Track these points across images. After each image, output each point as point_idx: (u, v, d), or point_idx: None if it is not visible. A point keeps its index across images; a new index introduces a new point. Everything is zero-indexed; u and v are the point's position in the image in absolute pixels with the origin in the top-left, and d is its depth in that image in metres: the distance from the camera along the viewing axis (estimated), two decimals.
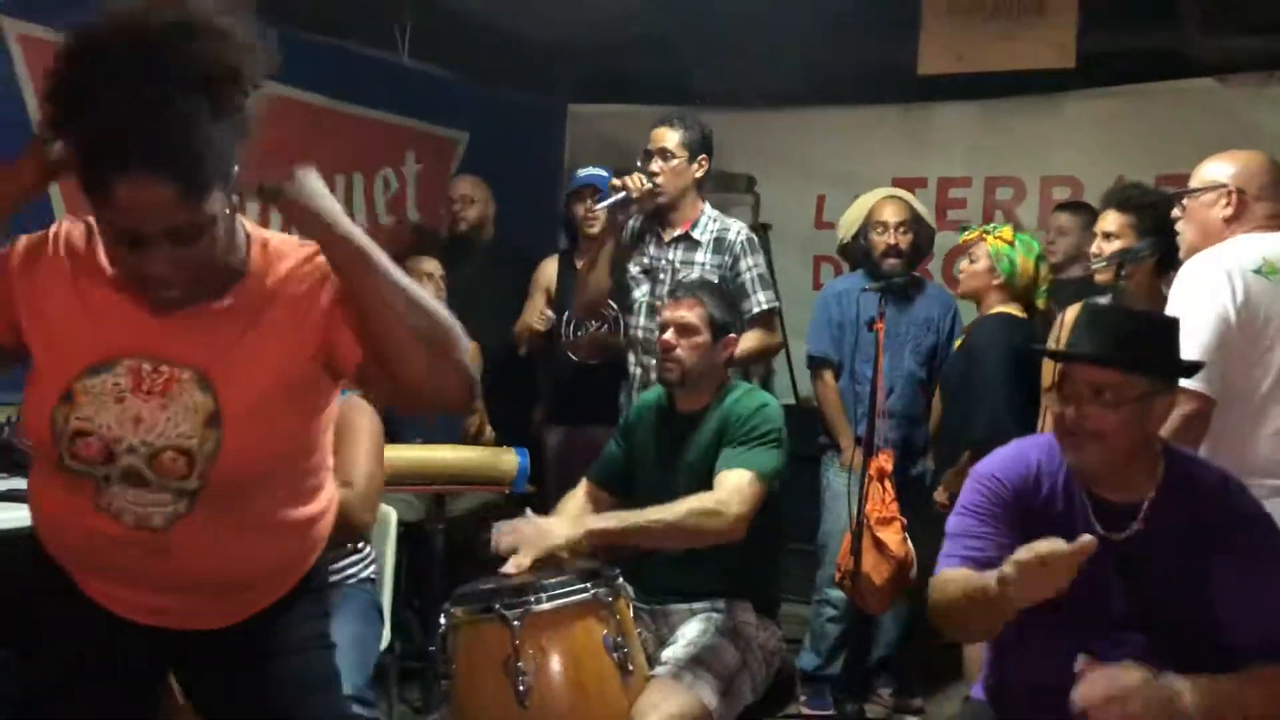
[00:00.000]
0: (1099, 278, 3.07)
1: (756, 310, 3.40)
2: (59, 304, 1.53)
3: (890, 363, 3.67)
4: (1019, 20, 4.61)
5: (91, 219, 1.52)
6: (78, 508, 1.53)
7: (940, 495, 3.42)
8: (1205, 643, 1.97)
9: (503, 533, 2.41)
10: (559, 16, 5.08)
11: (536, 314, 4.15)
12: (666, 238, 3.47)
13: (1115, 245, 3.07)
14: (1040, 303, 3.51)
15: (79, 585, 1.62)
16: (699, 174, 3.45)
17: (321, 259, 1.55)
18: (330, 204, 1.50)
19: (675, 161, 3.40)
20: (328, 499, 1.75)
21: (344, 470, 2.63)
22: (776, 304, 3.46)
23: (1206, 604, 1.97)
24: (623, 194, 3.30)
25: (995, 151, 4.86)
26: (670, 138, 3.41)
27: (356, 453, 2.66)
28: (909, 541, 3.28)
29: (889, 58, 4.90)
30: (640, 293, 3.48)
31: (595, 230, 4.00)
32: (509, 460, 3.55)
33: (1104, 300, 2.99)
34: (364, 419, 2.77)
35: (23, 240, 1.56)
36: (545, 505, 4.03)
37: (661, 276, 3.46)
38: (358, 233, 1.50)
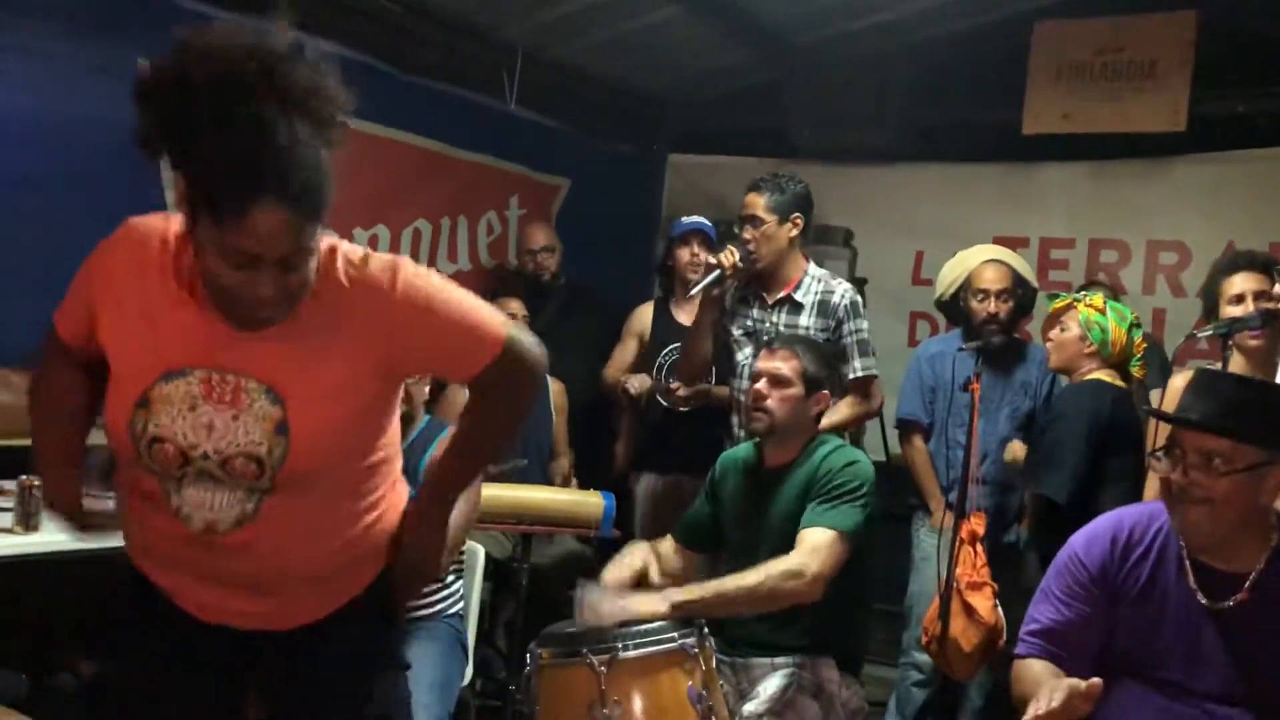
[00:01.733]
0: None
1: (853, 376, 3.37)
2: (134, 311, 1.56)
3: (985, 427, 3.60)
4: (1129, 82, 4.57)
5: (170, 227, 1.56)
6: (155, 505, 1.60)
7: None
8: None
9: (586, 606, 2.40)
10: (663, 68, 5.17)
11: (630, 362, 4.19)
12: (770, 300, 3.45)
13: (1245, 308, 2.98)
14: (1136, 371, 3.42)
15: (158, 585, 1.68)
16: (793, 233, 3.41)
17: (388, 271, 1.61)
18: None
19: (765, 226, 3.38)
20: (388, 504, 1.78)
21: None
22: (874, 372, 3.43)
23: None
24: (717, 271, 3.33)
25: (1100, 213, 4.78)
26: (758, 203, 3.39)
27: None
28: (999, 608, 3.21)
29: (993, 115, 4.89)
30: (743, 355, 3.46)
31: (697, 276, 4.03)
32: (595, 504, 3.58)
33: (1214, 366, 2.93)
34: None
35: (101, 247, 1.61)
36: None
37: (765, 339, 3.45)
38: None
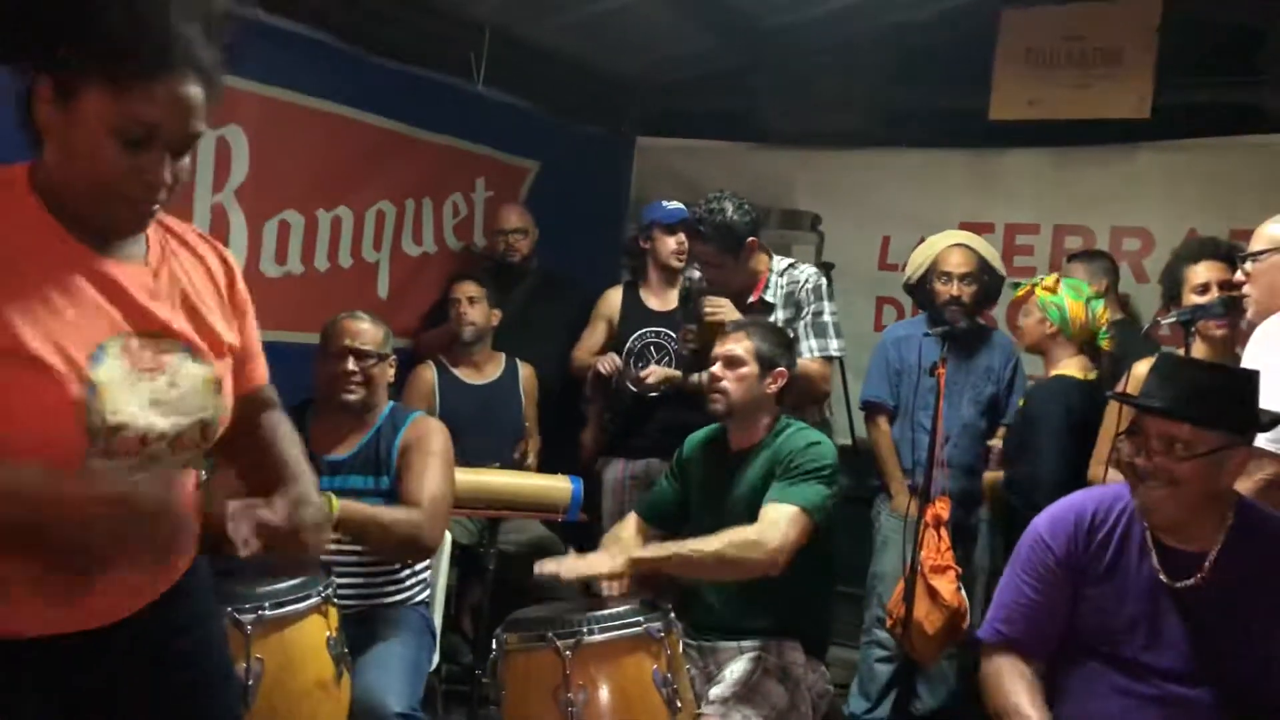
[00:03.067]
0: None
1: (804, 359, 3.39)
2: (30, 286, 1.38)
3: (947, 411, 3.63)
4: (1094, 69, 4.59)
5: None
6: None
7: None
8: (1270, 699, 1.94)
9: (545, 564, 2.43)
10: (632, 51, 5.14)
11: (599, 345, 4.18)
12: (743, 307, 3.46)
13: (1209, 296, 3.02)
14: (1104, 344, 3.44)
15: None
16: (752, 255, 3.43)
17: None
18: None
19: (724, 268, 3.40)
20: None
21: (415, 489, 2.67)
22: (831, 354, 3.43)
23: (1270, 658, 1.94)
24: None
25: (1065, 200, 4.81)
26: (708, 250, 3.39)
27: (427, 474, 2.71)
28: (963, 591, 3.25)
29: (960, 101, 4.90)
30: None
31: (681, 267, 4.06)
32: (563, 488, 3.57)
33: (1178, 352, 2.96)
34: (436, 440, 2.82)
35: None
36: (598, 537, 4.05)
37: None
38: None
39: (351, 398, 2.82)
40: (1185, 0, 4.46)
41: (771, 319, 3.37)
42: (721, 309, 3.40)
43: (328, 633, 2.29)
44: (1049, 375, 3.43)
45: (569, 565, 2.43)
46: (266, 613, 2.20)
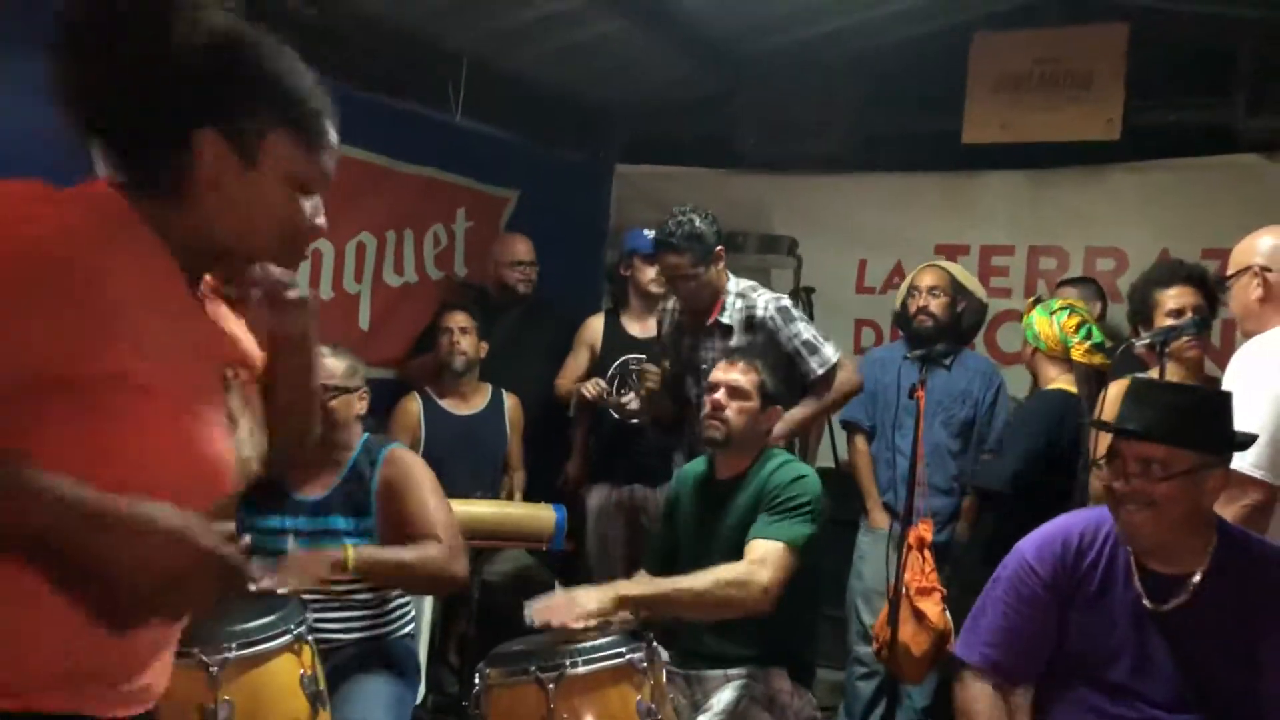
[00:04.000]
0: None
1: (813, 376, 3.41)
2: (176, 330, 1.31)
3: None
4: (1065, 92, 4.65)
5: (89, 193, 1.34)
6: None
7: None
8: None
9: (535, 609, 2.41)
10: (610, 79, 5.18)
11: (582, 372, 4.19)
12: (700, 329, 3.49)
13: (1184, 319, 3.06)
14: (1076, 355, 3.47)
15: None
16: (719, 265, 3.46)
17: None
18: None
19: (697, 279, 3.41)
20: None
21: (425, 524, 2.68)
22: (833, 359, 3.46)
23: (1252, 681, 1.96)
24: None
25: (1039, 221, 4.85)
26: (683, 264, 3.39)
27: (429, 506, 2.72)
28: (948, 613, 3.26)
29: (934, 125, 4.95)
30: (689, 388, 3.53)
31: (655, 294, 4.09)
32: (547, 517, 3.58)
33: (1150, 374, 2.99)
34: (419, 471, 2.82)
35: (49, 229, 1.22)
36: (583, 563, 4.06)
37: (704, 368, 3.48)
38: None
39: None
40: (1154, 22, 4.51)
41: (732, 342, 3.41)
42: (652, 378, 3.54)
43: (301, 671, 2.28)
44: (1041, 389, 3.51)
45: (558, 610, 2.40)
46: (233, 653, 2.17)
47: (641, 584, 2.60)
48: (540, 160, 5.25)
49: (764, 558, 2.53)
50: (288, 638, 2.28)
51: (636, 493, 3.97)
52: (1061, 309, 3.44)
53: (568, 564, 4.11)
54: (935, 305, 3.84)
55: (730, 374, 2.82)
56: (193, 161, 1.31)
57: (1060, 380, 3.42)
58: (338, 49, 4.17)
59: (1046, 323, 3.41)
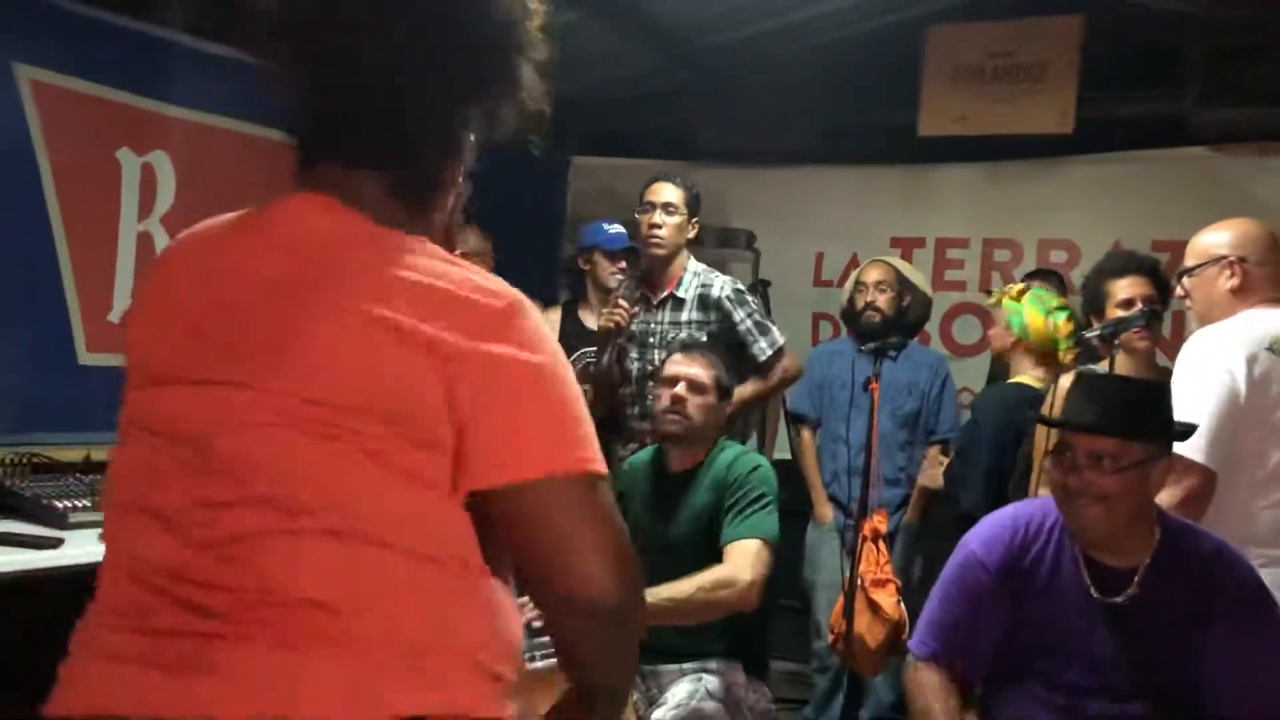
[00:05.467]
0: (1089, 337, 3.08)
1: (763, 358, 3.46)
2: None
3: (865, 422, 3.71)
4: (1019, 85, 4.67)
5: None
6: None
7: None
8: (1203, 713, 1.98)
9: None
10: (566, 71, 5.13)
11: None
12: (654, 300, 3.53)
13: (1134, 310, 3.09)
14: (1062, 356, 3.49)
15: None
16: (691, 234, 3.52)
17: None
18: None
19: (678, 218, 3.46)
20: None
21: None
22: (779, 343, 3.50)
23: (1200, 672, 1.98)
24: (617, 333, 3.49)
25: (994, 214, 4.87)
26: (674, 193, 3.48)
27: None
28: (903, 604, 3.28)
29: (890, 118, 4.96)
30: (631, 359, 3.53)
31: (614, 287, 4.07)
32: None
33: (1098, 367, 3.01)
34: None
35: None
36: None
37: (651, 340, 3.52)
38: None
39: None
40: (1107, 17, 4.54)
41: (683, 317, 3.46)
42: (620, 314, 3.50)
43: None
44: (996, 385, 3.51)
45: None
46: None
47: None
48: (493, 150, 5.19)
49: (745, 555, 2.55)
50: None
51: None
52: (1059, 309, 3.43)
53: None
54: (882, 300, 3.91)
55: (691, 368, 2.81)
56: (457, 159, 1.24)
57: (1030, 375, 3.42)
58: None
59: (1040, 320, 3.39)
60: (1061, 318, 3.45)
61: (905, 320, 3.99)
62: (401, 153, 1.18)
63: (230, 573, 1.03)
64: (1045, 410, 2.91)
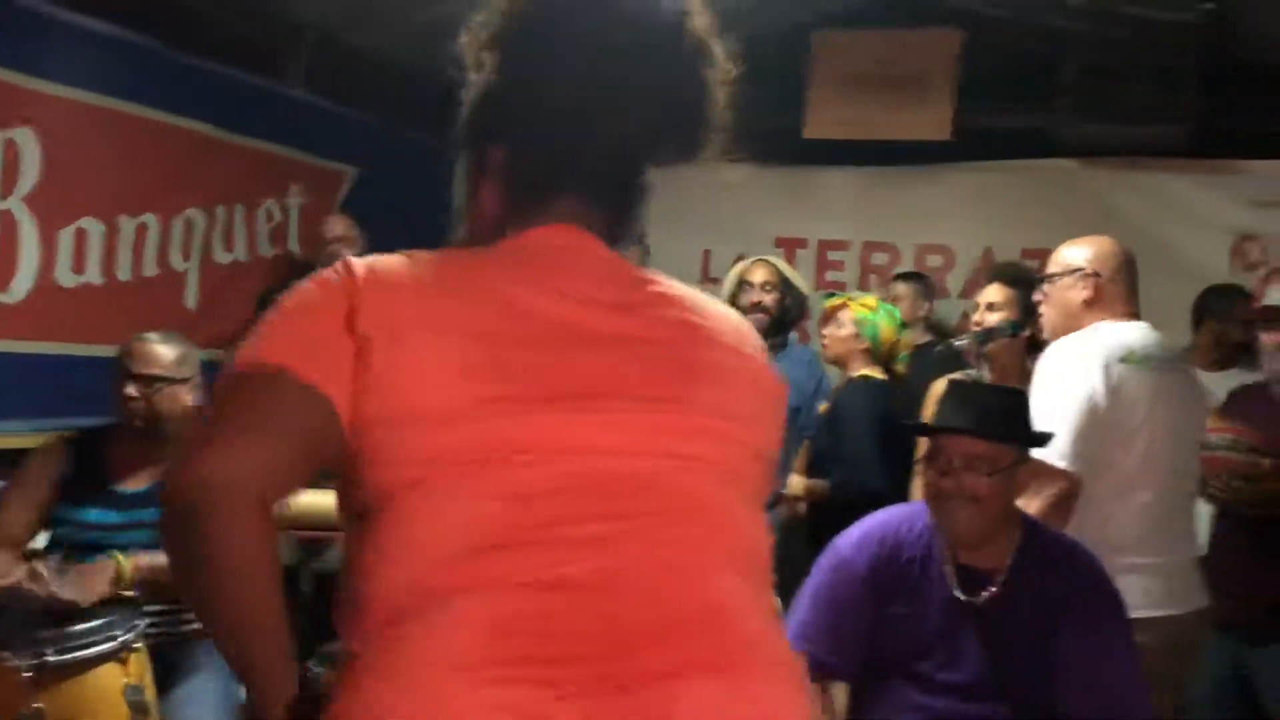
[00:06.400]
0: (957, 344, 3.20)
1: None
2: None
3: None
4: (900, 92, 4.80)
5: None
6: None
7: None
8: (1059, 711, 2.07)
9: None
10: (460, 56, 5.08)
11: None
12: None
13: (997, 317, 3.22)
14: (900, 367, 3.63)
15: None
16: None
17: None
18: None
19: None
20: None
21: None
22: None
23: (1052, 671, 2.07)
24: None
25: (873, 217, 5.00)
26: None
27: None
28: (776, 598, 3.34)
29: (778, 120, 5.03)
30: None
31: None
32: None
33: (970, 373, 3.13)
34: None
35: None
36: None
37: None
38: None
39: (135, 423, 2.70)
40: (985, 29, 4.70)
41: None
42: None
43: (125, 680, 2.18)
44: (849, 379, 3.58)
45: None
46: (50, 659, 2.07)
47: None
48: (381, 137, 5.11)
49: None
50: (112, 645, 2.18)
51: None
52: (903, 325, 3.57)
53: None
54: (769, 300, 3.94)
55: None
56: None
57: (870, 369, 3.53)
58: (171, 12, 3.96)
59: (892, 331, 3.51)
60: (905, 333, 3.62)
61: (786, 319, 4.06)
62: (635, 201, 1.25)
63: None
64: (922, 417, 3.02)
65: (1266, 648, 3.07)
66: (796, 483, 3.85)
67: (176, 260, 4.17)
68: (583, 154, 1.17)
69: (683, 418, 1.11)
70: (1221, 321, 3.91)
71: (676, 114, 1.21)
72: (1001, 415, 2.14)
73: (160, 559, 2.51)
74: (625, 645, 1.01)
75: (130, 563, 2.45)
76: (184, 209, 4.18)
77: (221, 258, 4.36)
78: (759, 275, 3.98)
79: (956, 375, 3.17)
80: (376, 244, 4.35)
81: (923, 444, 2.32)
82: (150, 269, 4.05)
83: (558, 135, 1.16)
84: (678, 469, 1.09)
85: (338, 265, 1.09)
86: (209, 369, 3.03)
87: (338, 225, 4.45)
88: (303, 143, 4.67)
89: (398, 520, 1.02)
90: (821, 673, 2.18)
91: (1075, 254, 2.83)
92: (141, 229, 4.00)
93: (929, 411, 3.14)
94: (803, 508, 3.91)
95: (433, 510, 1.02)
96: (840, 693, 2.27)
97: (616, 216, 1.22)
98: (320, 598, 3.43)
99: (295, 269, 4.49)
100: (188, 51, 4.01)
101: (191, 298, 4.25)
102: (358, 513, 1.06)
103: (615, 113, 1.16)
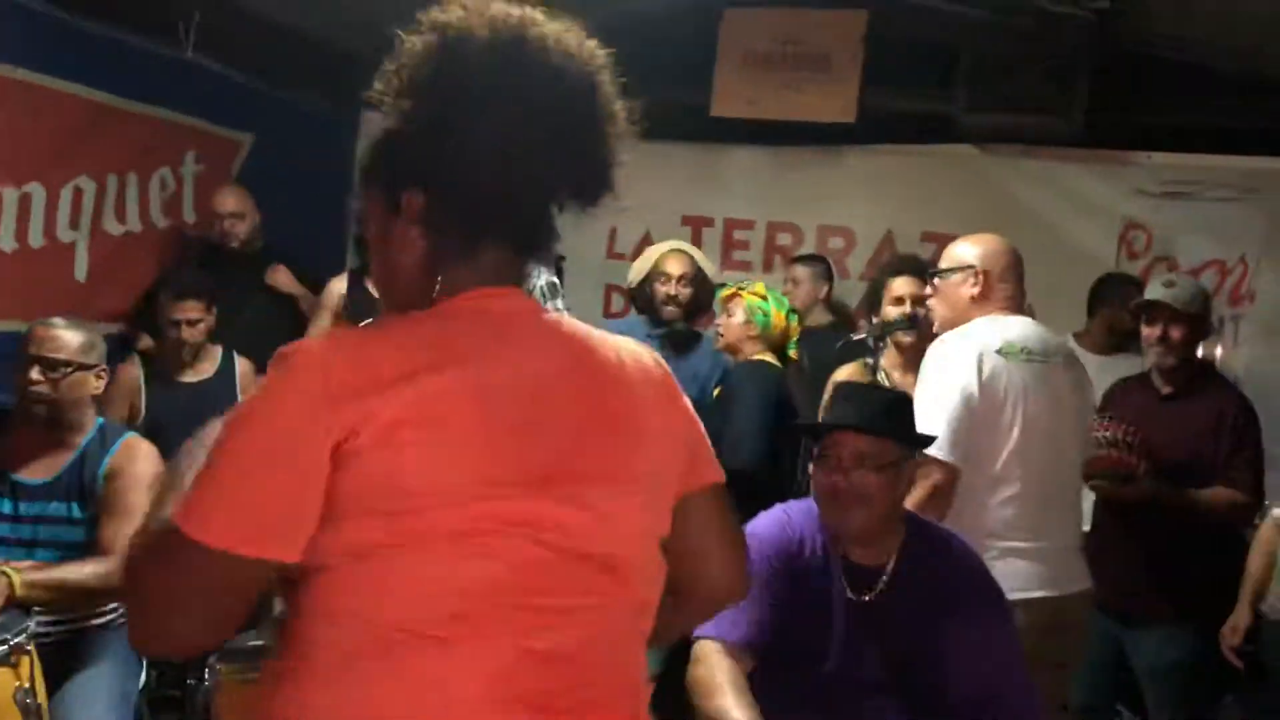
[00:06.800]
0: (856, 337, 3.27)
1: None
2: None
3: None
4: (806, 73, 4.83)
5: None
6: None
7: None
8: (949, 702, 2.16)
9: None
10: (357, 26, 4.95)
11: None
12: None
13: (904, 309, 3.30)
14: (792, 353, 3.70)
15: None
16: None
17: None
18: None
19: None
20: None
21: (110, 539, 2.53)
22: None
23: (939, 663, 2.16)
24: None
25: (778, 197, 5.04)
26: None
27: (129, 517, 2.55)
28: None
29: (685, 96, 5.03)
30: None
31: None
32: None
33: (869, 361, 3.20)
34: (145, 468, 2.67)
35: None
36: None
37: None
38: None
39: (37, 410, 2.63)
40: (890, 14, 4.74)
41: None
42: None
43: (17, 684, 2.14)
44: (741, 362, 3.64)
45: None
46: None
47: None
48: (279, 104, 4.99)
49: None
50: (2, 649, 2.13)
51: None
52: (792, 311, 3.63)
53: None
54: (685, 295, 3.93)
55: None
56: None
57: (764, 353, 3.59)
58: None
59: (782, 318, 3.58)
60: (794, 319, 3.68)
61: (697, 310, 4.08)
62: (549, 242, 1.29)
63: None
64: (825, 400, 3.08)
65: (1140, 629, 3.25)
66: None
67: (65, 231, 4.03)
68: (508, 202, 1.20)
69: (631, 497, 1.21)
70: (1114, 309, 4.08)
71: (589, 168, 1.27)
72: (885, 413, 2.21)
73: (54, 574, 2.46)
74: (588, 705, 1.16)
75: (20, 578, 2.39)
76: (73, 178, 4.04)
77: (113, 229, 4.23)
78: (676, 268, 3.95)
79: (856, 366, 3.25)
80: (273, 211, 4.30)
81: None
82: (36, 240, 3.91)
83: (483, 183, 1.18)
84: (624, 553, 1.20)
85: (301, 367, 1.09)
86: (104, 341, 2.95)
87: (230, 200, 4.35)
88: (197, 109, 4.54)
89: (385, 570, 1.09)
90: (729, 653, 2.23)
91: (966, 251, 2.92)
92: (26, 199, 3.86)
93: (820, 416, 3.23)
94: None
95: (416, 567, 1.10)
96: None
97: (534, 258, 1.28)
98: None
99: (189, 247, 4.39)
100: (75, 14, 3.85)
101: (81, 269, 4.12)
102: (322, 562, 1.10)
103: (537, 164, 1.19)
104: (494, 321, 1.19)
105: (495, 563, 1.10)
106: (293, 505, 1.06)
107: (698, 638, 2.29)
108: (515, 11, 1.21)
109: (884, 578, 2.20)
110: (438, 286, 1.20)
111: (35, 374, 2.61)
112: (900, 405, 2.31)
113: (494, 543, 1.10)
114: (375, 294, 4.05)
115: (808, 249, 4.88)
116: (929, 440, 2.35)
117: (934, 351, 2.79)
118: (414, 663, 1.08)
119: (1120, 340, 4.03)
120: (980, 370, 2.69)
